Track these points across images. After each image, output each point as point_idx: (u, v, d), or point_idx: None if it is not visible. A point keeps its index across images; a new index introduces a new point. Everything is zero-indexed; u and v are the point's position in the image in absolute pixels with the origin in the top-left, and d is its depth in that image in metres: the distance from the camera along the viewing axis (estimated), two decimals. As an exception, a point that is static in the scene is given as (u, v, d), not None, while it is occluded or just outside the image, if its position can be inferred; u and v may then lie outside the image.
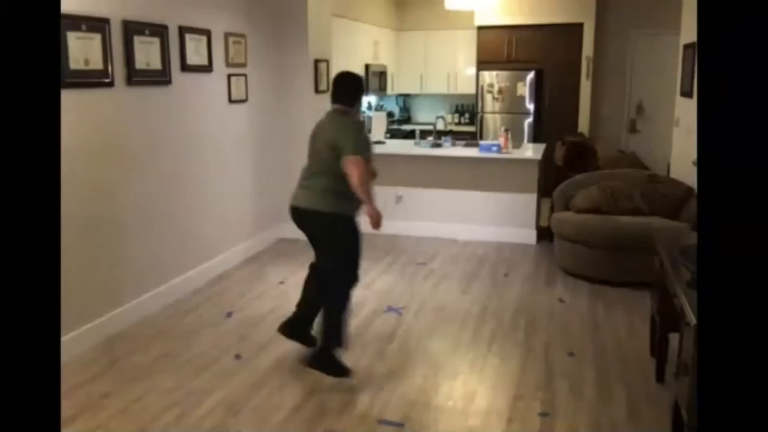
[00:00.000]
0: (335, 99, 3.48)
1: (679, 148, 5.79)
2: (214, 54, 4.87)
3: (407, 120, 9.32)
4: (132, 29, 3.93)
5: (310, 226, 3.38)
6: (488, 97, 8.22)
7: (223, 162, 5.12)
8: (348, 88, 3.48)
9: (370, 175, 3.30)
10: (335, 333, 3.32)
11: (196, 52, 4.63)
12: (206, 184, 4.89)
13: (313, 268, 3.59)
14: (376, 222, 3.29)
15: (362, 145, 3.26)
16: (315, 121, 6.27)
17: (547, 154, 6.34)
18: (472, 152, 5.95)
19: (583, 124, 8.15)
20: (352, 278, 3.44)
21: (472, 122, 8.73)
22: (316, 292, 3.52)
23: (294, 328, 3.55)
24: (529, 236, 6.00)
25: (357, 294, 4.61)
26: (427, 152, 6.06)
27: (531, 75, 7.99)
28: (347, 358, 3.42)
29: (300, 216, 3.38)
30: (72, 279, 3.58)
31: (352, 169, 3.16)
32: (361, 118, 3.74)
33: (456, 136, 6.70)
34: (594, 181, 5.29)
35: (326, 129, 3.39)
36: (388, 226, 6.29)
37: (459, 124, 8.85)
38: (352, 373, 3.33)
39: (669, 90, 6.80)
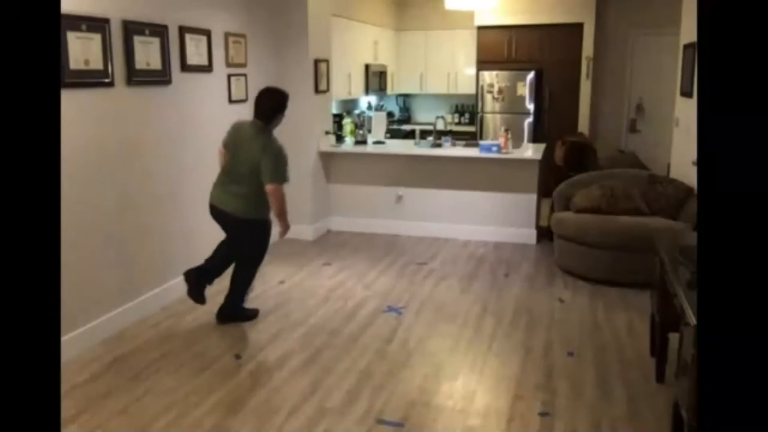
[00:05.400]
0: (255, 114, 3.87)
1: (679, 148, 5.78)
2: (214, 54, 4.87)
3: (407, 120, 9.32)
4: (132, 29, 3.93)
5: (229, 225, 3.96)
6: (488, 97, 8.22)
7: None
8: (264, 106, 3.85)
9: (284, 199, 3.85)
10: (244, 294, 4.15)
11: (196, 52, 4.62)
12: (206, 184, 4.87)
13: (227, 242, 4.10)
14: (284, 233, 3.99)
15: (280, 171, 3.76)
16: (315, 120, 6.31)
17: (547, 154, 6.34)
18: (472, 152, 5.95)
19: (583, 124, 8.14)
20: (259, 262, 4.11)
21: (472, 122, 8.73)
22: (224, 259, 4.07)
23: (199, 277, 4.03)
24: (529, 236, 6.00)
25: (357, 294, 4.64)
26: (427, 152, 6.06)
27: (531, 75, 7.99)
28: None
29: (221, 215, 3.94)
30: (72, 279, 3.58)
31: (272, 197, 3.76)
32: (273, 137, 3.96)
33: (456, 136, 6.69)
34: (594, 181, 5.29)
35: (249, 144, 3.80)
36: (388, 226, 6.35)
37: (459, 124, 8.85)
38: (258, 312, 4.20)
39: (669, 90, 6.79)
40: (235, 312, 4.14)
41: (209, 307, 4.38)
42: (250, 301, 4.32)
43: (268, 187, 3.74)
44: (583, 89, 8.10)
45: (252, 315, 4.19)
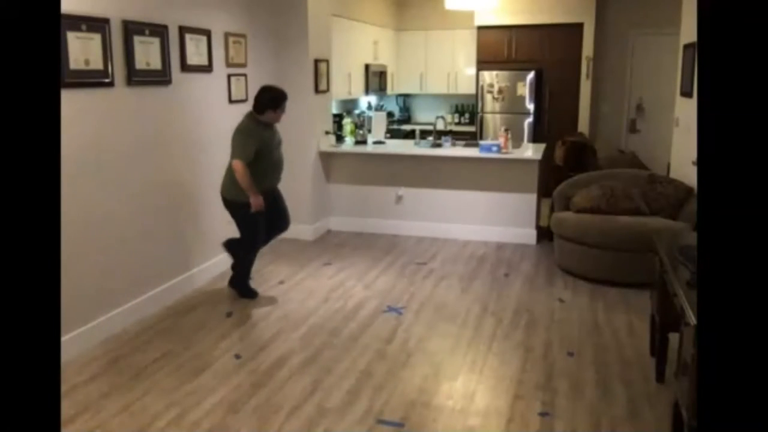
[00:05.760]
0: (253, 105, 4.31)
1: (679, 148, 5.78)
2: (214, 54, 4.87)
3: (407, 120, 9.32)
4: (132, 29, 3.93)
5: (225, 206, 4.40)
6: (488, 97, 8.22)
7: (223, 162, 5.10)
8: (257, 99, 4.27)
9: (247, 175, 4.12)
10: (245, 274, 4.59)
11: (196, 52, 4.62)
12: (206, 184, 4.89)
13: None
14: (256, 207, 4.21)
15: (246, 150, 4.12)
16: (314, 120, 6.31)
17: (547, 154, 6.34)
18: (472, 152, 5.95)
19: (583, 124, 8.14)
20: (256, 243, 4.46)
21: (472, 122, 8.73)
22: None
23: (230, 247, 4.61)
24: (529, 236, 6.00)
25: (357, 294, 4.64)
26: (427, 152, 6.06)
27: (531, 75, 7.99)
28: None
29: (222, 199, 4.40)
30: (72, 279, 3.58)
31: (234, 172, 4.15)
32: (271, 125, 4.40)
33: (456, 136, 6.69)
34: (594, 181, 5.29)
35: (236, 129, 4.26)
36: (388, 226, 6.35)
37: (459, 124, 8.85)
38: (257, 294, 4.57)
39: (669, 90, 6.79)
40: (240, 286, 4.60)
41: (209, 307, 4.39)
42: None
43: (232, 162, 4.16)
44: (583, 89, 8.10)
45: (251, 294, 4.55)
